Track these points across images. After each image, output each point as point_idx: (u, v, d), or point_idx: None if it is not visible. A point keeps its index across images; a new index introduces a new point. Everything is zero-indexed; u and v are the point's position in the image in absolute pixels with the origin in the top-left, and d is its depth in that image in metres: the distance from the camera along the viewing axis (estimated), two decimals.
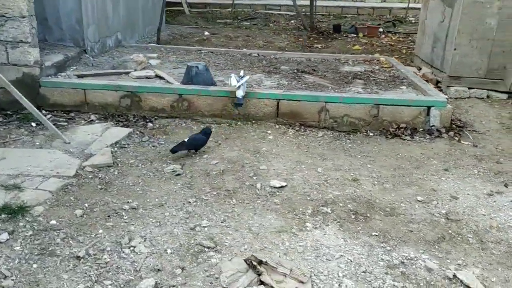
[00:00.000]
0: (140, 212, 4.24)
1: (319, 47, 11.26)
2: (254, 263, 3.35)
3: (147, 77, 6.92)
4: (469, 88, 7.14)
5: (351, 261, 3.64)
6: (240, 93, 6.00)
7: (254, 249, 3.74)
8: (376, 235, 4.00)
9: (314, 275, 3.45)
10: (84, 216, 4.14)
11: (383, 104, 6.07)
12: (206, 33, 12.64)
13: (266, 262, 3.38)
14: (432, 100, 6.04)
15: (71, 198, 4.43)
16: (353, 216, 4.28)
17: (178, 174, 4.93)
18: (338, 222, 4.17)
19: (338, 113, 6.12)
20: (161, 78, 6.90)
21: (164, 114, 6.30)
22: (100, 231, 3.93)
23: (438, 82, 7.57)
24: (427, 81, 7.27)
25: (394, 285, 3.39)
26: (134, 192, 4.59)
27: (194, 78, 6.47)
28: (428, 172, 5.16)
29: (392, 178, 5.01)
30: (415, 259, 3.70)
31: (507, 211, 4.45)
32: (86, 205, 4.31)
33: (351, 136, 6.05)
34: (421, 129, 6.09)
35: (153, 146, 5.61)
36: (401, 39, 12.01)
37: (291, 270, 3.36)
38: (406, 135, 5.99)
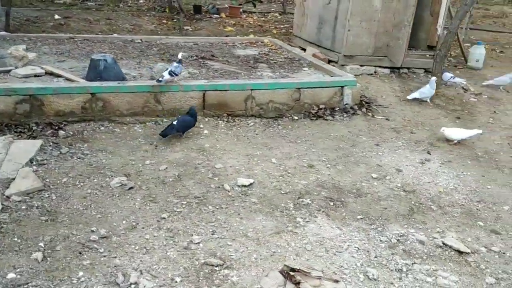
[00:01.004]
0: (115, 241, 3.62)
1: (190, 30, 10.88)
2: (291, 273, 3.20)
3: (36, 75, 5.78)
4: (360, 66, 7.82)
5: (358, 249, 3.74)
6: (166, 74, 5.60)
7: (264, 256, 3.55)
8: (361, 218, 4.18)
9: (338, 270, 3.46)
10: (48, 259, 3.36)
11: (304, 88, 6.24)
12: (57, 16, 11.04)
13: (298, 269, 3.25)
14: (345, 80, 6.44)
15: (14, 239, 3.53)
16: (331, 203, 4.37)
17: (131, 188, 4.33)
18: (323, 211, 4.22)
19: (263, 99, 6.07)
20: (55, 75, 5.83)
21: (75, 118, 5.38)
22: (80, 273, 3.26)
23: (329, 61, 8.09)
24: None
25: (406, 263, 3.61)
26: (92, 217, 3.88)
27: (103, 73, 5.64)
28: (365, 149, 5.54)
29: (339, 159, 5.24)
30: (406, 234, 3.99)
31: (442, 176, 5.08)
32: (42, 244, 3.50)
33: (279, 121, 6.09)
34: (337, 108, 6.46)
35: (78, 158, 4.78)
36: (264, 19, 12.38)
37: (323, 272, 3.30)
38: (327, 115, 6.29)
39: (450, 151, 5.67)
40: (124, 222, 3.85)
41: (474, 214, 4.44)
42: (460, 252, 3.81)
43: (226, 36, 10.18)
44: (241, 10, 12.85)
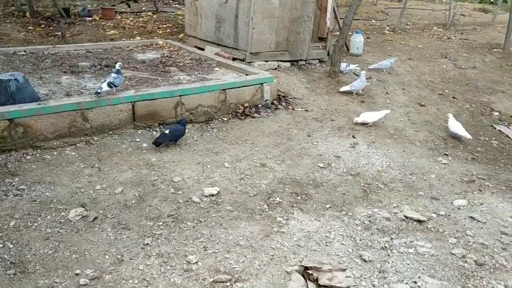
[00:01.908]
0: (109, 279, 3.32)
1: (68, 36, 9.93)
2: (309, 271, 3.32)
3: None
4: (265, 62, 8.07)
5: (343, 236, 4.01)
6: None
7: (265, 261, 3.61)
8: (330, 207, 4.47)
9: (338, 259, 3.68)
10: None
11: (229, 88, 6.27)
12: None
13: (311, 266, 3.39)
14: (264, 78, 6.63)
15: None
16: (298, 198, 4.57)
17: (95, 218, 3.95)
18: (295, 207, 4.39)
19: (192, 104, 5.95)
20: None
21: None
22: None
23: (234, 59, 8.18)
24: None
25: (386, 241, 3.99)
26: (68, 259, 3.48)
27: (16, 95, 4.92)
28: (300, 141, 5.84)
29: (284, 154, 5.45)
30: (372, 214, 4.39)
31: (374, 156, 5.64)
32: None
33: (211, 124, 6.04)
34: (260, 105, 6.64)
35: (15, 195, 4.17)
36: (142, 19, 11.86)
37: (330, 264, 3.49)
38: (253, 113, 6.44)
39: (369, 133, 6.30)
40: (107, 257, 3.53)
41: (412, 186, 5.06)
42: (419, 221, 4.34)
43: (111, 40, 9.57)
44: (115, 10, 12.13)
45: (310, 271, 3.36)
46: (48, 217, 3.93)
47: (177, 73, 6.94)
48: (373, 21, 14.29)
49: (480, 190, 5.10)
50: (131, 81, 6.29)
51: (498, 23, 15.39)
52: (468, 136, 6.46)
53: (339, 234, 4.02)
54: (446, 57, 10.21)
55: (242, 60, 7.89)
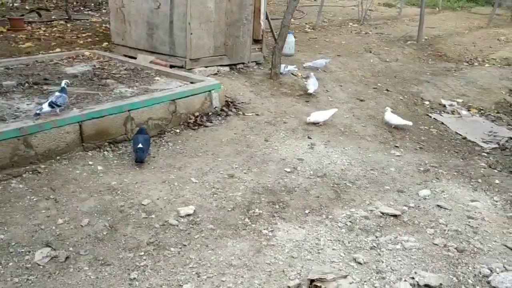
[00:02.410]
0: None
1: None
2: (317, 284, 3.23)
3: None
4: (205, 67, 7.81)
5: (331, 240, 3.98)
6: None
7: (265, 279, 3.48)
8: (309, 212, 4.42)
9: (335, 265, 3.63)
10: None
11: (178, 98, 5.98)
12: None
13: (317, 278, 3.31)
14: (212, 84, 6.41)
15: None
16: (277, 206, 4.46)
17: (67, 257, 3.53)
18: (277, 217, 4.29)
19: (142, 118, 5.58)
20: None
21: None
22: None
23: (171, 66, 7.82)
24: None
25: (372, 240, 4.03)
26: None
27: None
28: (260, 146, 5.73)
29: (247, 162, 5.31)
30: (351, 215, 4.42)
31: (333, 155, 5.70)
32: None
33: (164, 138, 5.71)
34: (210, 113, 6.42)
35: None
36: (59, 28, 10.93)
37: (332, 272, 3.43)
38: (205, 122, 6.21)
39: (322, 132, 6.37)
40: None
41: (377, 181, 5.18)
42: (395, 216, 4.45)
43: (27, 53, 8.72)
44: (24, 20, 11.06)
45: (317, 283, 3.28)
46: (11, 263, 3.43)
47: (117, 85, 6.47)
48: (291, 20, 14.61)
49: (438, 178, 5.37)
50: (70, 98, 5.74)
51: (404, 16, 16.52)
52: (410, 123, 6.81)
53: (327, 240, 3.99)
54: (370, 52, 10.71)
55: (181, 67, 7.59)
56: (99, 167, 4.84)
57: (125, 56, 8.40)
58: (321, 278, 3.31)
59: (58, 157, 4.85)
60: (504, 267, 3.77)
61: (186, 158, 5.28)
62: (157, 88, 6.40)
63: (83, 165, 4.83)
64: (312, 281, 3.31)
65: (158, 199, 4.40)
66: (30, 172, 4.58)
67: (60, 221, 3.94)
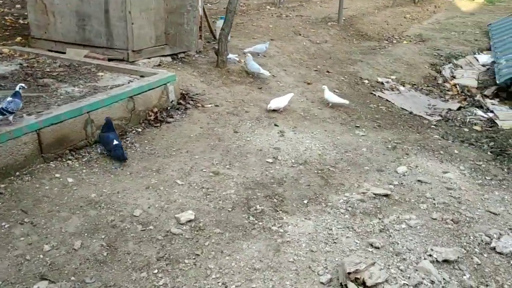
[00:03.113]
0: None
1: None
2: (357, 276, 3.16)
3: None
4: (148, 59, 7.22)
5: (342, 228, 3.95)
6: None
7: (294, 278, 3.35)
8: (308, 202, 4.35)
9: (351, 253, 3.60)
10: None
11: (136, 94, 5.47)
12: None
13: (354, 271, 3.25)
14: (167, 77, 5.95)
15: None
16: (275, 200, 4.33)
17: None
18: (279, 211, 4.15)
19: (102, 119, 5.01)
20: None
21: None
22: None
23: (110, 60, 7.11)
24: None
25: (378, 223, 4.08)
26: None
27: None
28: (231, 139, 5.49)
29: (226, 157, 5.06)
30: (348, 199, 4.43)
31: (305, 141, 5.66)
32: None
33: (128, 139, 5.20)
34: (169, 108, 6.00)
35: None
36: None
37: (363, 262, 3.39)
38: (167, 117, 5.79)
39: (285, 119, 6.29)
40: None
41: (356, 163, 5.25)
42: (387, 195, 4.53)
43: None
44: None
45: (356, 275, 3.22)
46: None
47: (59, 85, 5.76)
48: (208, 5, 14.20)
49: (407, 154, 5.58)
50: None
51: None
52: (347, 101, 6.94)
53: (337, 228, 3.94)
54: (300, 35, 10.80)
55: (122, 60, 6.97)
56: (69, 180, 4.27)
57: (50, 51, 7.53)
58: (357, 270, 3.25)
59: (17, 173, 4.19)
60: (499, 232, 4.03)
61: (161, 158, 4.88)
62: (106, 85, 5.82)
63: (50, 179, 4.23)
64: (349, 273, 3.23)
65: (149, 207, 4.00)
66: None
67: (47, 248, 3.41)
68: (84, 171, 4.47)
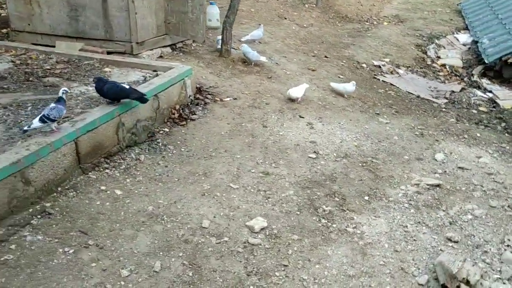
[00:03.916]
0: None
1: None
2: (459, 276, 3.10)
3: None
4: (150, 50, 6.71)
5: (415, 224, 3.87)
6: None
7: (394, 283, 3.24)
8: (368, 199, 4.25)
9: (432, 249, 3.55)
10: None
11: (160, 92, 5.08)
12: None
13: (456, 271, 3.18)
14: (185, 71, 5.57)
15: None
16: (336, 199, 4.19)
17: None
18: (346, 210, 4.02)
19: (131, 121, 4.62)
20: None
21: None
22: None
23: (108, 53, 6.56)
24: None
25: (444, 215, 4.04)
26: None
27: None
28: (264, 134, 5.25)
29: (267, 155, 4.84)
30: (405, 193, 4.37)
31: (336, 132, 5.53)
32: None
33: (158, 141, 4.83)
34: (189, 104, 5.64)
35: None
36: None
37: (457, 260, 3.33)
38: (191, 114, 5.45)
39: (307, 109, 6.11)
40: None
41: (394, 153, 5.20)
42: (438, 186, 4.51)
43: None
44: None
45: (455, 275, 3.15)
46: None
47: (68, 84, 5.24)
48: None
49: (437, 140, 5.60)
50: (26, 110, 4.46)
51: None
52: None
53: (410, 224, 3.87)
54: (285, 18, 10.55)
55: (123, 53, 6.48)
56: (118, 192, 3.90)
57: (34, 44, 6.87)
58: (458, 270, 3.19)
59: (59, 189, 3.77)
60: None
61: (202, 161, 4.58)
62: (120, 82, 5.37)
63: (97, 193, 3.83)
64: (452, 276, 3.16)
65: (215, 217, 3.74)
66: (39, 216, 3.47)
67: (125, 273, 3.09)
68: (128, 180, 4.10)
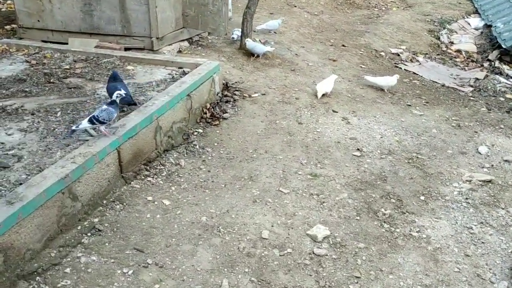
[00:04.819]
0: None
1: None
2: None
3: None
4: (169, 45, 6.40)
5: (478, 225, 3.70)
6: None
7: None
8: (424, 199, 4.06)
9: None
10: None
11: (192, 91, 4.82)
12: None
13: None
14: (214, 68, 5.30)
15: None
16: (393, 200, 4.01)
17: None
18: (405, 213, 3.84)
19: (167, 124, 4.37)
20: None
21: None
22: None
23: (126, 49, 6.24)
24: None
25: (505, 213, 3.88)
26: None
27: None
28: (301, 132, 5.03)
29: (309, 154, 4.62)
30: (459, 191, 4.19)
31: (373, 127, 5.33)
32: None
33: (194, 143, 4.59)
34: (219, 102, 5.39)
35: None
36: None
37: None
38: (222, 113, 5.20)
39: (338, 103, 5.89)
40: None
41: (436, 147, 5.01)
42: (489, 181, 4.35)
43: None
44: None
45: None
46: None
47: (92, 85, 4.97)
48: None
49: (475, 132, 5.43)
50: (56, 115, 4.18)
51: None
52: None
53: (474, 226, 3.70)
54: (295, 6, 10.26)
55: (142, 48, 6.18)
56: (166, 202, 3.67)
57: (45, 42, 6.54)
58: None
59: (104, 202, 3.53)
60: None
61: (244, 163, 4.35)
62: (148, 81, 5.11)
63: (144, 205, 3.60)
64: None
65: (273, 226, 3.53)
66: (89, 234, 3.23)
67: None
68: (173, 188, 3.87)
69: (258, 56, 6.81)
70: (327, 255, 3.29)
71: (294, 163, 4.44)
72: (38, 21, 6.59)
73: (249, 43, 6.76)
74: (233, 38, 7.29)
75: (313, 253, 3.30)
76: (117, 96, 3.58)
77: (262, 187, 4.00)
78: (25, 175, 3.22)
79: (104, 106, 3.54)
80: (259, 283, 3.01)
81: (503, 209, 3.95)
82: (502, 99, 6.82)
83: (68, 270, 2.93)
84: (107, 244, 3.18)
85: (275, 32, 8.20)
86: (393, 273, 3.18)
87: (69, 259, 3.01)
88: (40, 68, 5.42)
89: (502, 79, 7.62)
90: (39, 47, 6.05)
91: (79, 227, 3.25)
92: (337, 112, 5.61)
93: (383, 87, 6.47)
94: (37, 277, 2.83)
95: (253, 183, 4.05)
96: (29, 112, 4.25)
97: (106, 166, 3.55)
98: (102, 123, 3.49)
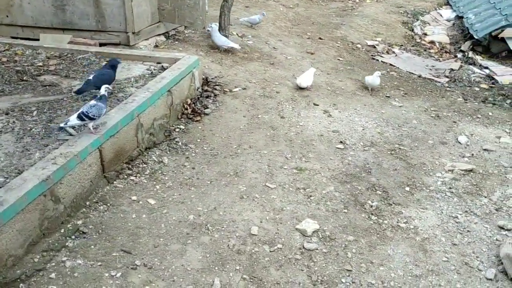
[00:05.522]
0: None
1: None
2: None
3: None
4: (145, 40, 6.24)
5: (463, 213, 3.76)
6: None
7: (463, 280, 3.11)
8: (409, 189, 4.10)
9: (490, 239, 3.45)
10: None
11: (173, 86, 4.72)
12: None
13: None
14: (193, 62, 5.19)
15: None
16: (378, 192, 4.02)
17: None
18: (392, 204, 3.87)
19: (148, 121, 4.27)
20: None
21: None
22: None
23: (101, 44, 6.04)
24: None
25: (487, 201, 3.95)
26: None
27: None
28: (284, 126, 5.00)
29: (293, 148, 4.60)
30: (442, 180, 4.24)
31: (354, 119, 5.34)
32: None
33: (176, 140, 4.50)
34: (200, 97, 5.30)
35: None
36: None
37: None
38: (203, 108, 5.12)
39: (319, 96, 5.89)
40: None
41: (417, 138, 5.07)
42: (471, 170, 4.42)
43: None
44: None
45: None
46: None
47: (68, 82, 4.81)
48: None
49: (454, 122, 5.51)
50: (32, 115, 4.01)
51: None
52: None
53: (460, 215, 3.76)
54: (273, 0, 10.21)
55: (118, 44, 6.02)
56: (151, 201, 3.58)
57: (14, 38, 6.29)
58: None
59: (87, 203, 3.42)
60: None
61: (229, 159, 4.29)
62: (126, 77, 4.97)
63: (129, 205, 3.50)
64: None
65: (261, 222, 3.49)
66: (73, 237, 3.12)
67: None
68: (158, 187, 3.78)
69: (219, 49, 6.62)
70: (317, 249, 3.28)
71: (279, 157, 4.41)
72: (7, 16, 6.33)
73: (214, 31, 6.48)
74: (208, 31, 7.19)
75: (304, 247, 3.28)
76: (105, 90, 3.47)
77: (248, 183, 3.95)
78: (3, 178, 3.08)
79: (93, 102, 3.43)
80: (251, 280, 2.97)
81: (485, 197, 4.02)
82: (477, 89, 6.95)
83: (53, 275, 2.82)
84: (92, 246, 3.07)
85: (254, 28, 8.12)
86: (383, 265, 3.19)
87: (53, 263, 2.90)
88: (12, 66, 5.20)
89: (476, 70, 7.77)
90: (9, 43, 5.81)
91: (62, 230, 3.13)
92: (318, 105, 5.61)
93: (368, 86, 6.39)
94: (21, 284, 2.71)
95: (239, 179, 4.00)
96: (3, 112, 4.07)
97: (88, 166, 3.43)
98: (91, 119, 3.37)
